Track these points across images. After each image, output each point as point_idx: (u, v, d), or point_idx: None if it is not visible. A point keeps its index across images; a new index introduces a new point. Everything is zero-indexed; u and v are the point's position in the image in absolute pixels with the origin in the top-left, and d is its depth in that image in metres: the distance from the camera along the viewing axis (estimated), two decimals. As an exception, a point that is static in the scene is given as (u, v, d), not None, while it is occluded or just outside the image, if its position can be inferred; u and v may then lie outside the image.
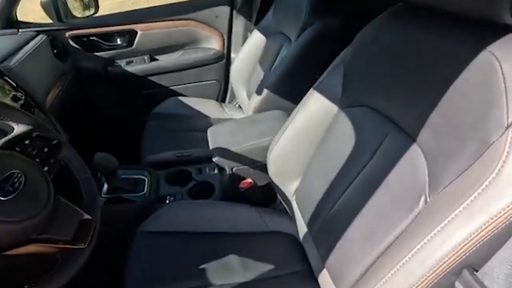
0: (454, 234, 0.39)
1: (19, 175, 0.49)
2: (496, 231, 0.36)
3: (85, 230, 0.57)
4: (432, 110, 0.49)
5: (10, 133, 0.58)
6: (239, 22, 1.59)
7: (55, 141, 0.63)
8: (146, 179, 1.05)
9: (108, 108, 1.51)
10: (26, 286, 0.47)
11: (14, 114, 0.59)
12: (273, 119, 1.04)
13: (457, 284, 0.40)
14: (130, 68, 1.51)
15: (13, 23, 1.29)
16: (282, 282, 0.80)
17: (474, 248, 0.38)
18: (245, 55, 1.47)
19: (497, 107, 0.38)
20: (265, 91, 1.13)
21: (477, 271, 0.39)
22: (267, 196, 1.03)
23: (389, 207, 0.55)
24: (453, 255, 0.39)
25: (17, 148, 0.56)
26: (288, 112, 0.89)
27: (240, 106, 1.59)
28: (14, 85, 0.90)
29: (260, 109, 1.15)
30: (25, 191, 0.49)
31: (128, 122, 1.44)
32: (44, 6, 1.39)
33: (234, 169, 1.01)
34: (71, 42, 1.41)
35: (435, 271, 0.40)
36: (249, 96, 1.38)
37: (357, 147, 0.68)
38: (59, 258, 0.53)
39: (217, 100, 1.66)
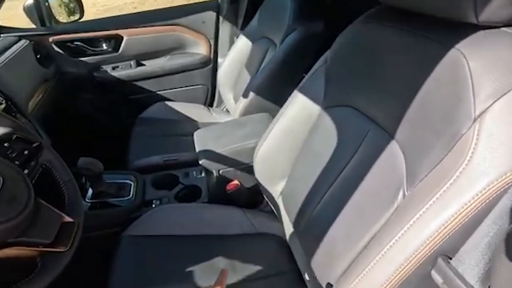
0: (429, 224, 0.41)
1: (-2, 177, 0.49)
2: (467, 219, 0.38)
3: (66, 233, 0.56)
4: (408, 108, 0.51)
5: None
6: (225, 27, 1.61)
7: (35, 144, 0.62)
8: (132, 183, 1.04)
9: (94, 113, 1.50)
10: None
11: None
12: (259, 122, 1.06)
13: (433, 272, 0.41)
14: (116, 73, 1.51)
15: (-6, 28, 1.28)
16: (270, 282, 0.80)
17: (447, 236, 0.39)
18: (232, 59, 1.49)
19: (465, 101, 0.40)
20: (251, 94, 1.15)
21: (451, 258, 0.40)
22: (254, 198, 1.04)
23: (369, 202, 0.57)
24: (428, 244, 0.40)
25: (-5, 152, 0.55)
26: (274, 115, 0.91)
27: (227, 110, 1.59)
28: (-5, 89, 0.89)
29: (246, 112, 1.16)
30: (3, 193, 0.48)
31: (114, 127, 1.43)
32: (26, 11, 1.38)
33: (221, 172, 1.01)
34: (55, 47, 1.40)
35: (411, 260, 0.41)
36: (236, 99, 1.40)
37: (339, 146, 0.69)
38: (39, 261, 0.52)
39: (204, 105, 1.67)
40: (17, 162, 0.57)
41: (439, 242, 0.40)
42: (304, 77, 0.84)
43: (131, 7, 8.79)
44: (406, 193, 0.50)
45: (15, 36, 1.27)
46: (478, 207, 0.38)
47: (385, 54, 0.57)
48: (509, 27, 0.41)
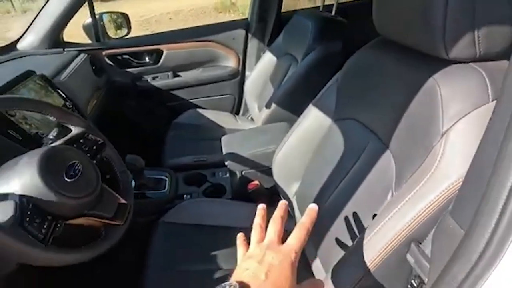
0: (404, 215, 0.51)
1: (78, 164, 0.65)
2: (433, 211, 0.48)
3: (122, 211, 0.72)
4: (398, 123, 0.62)
5: (68, 134, 0.75)
6: (253, 44, 1.77)
7: (100, 141, 0.80)
8: (167, 179, 1.21)
9: (136, 118, 1.70)
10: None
11: (72, 119, 0.76)
12: (279, 130, 1.19)
13: (408, 255, 0.52)
14: (155, 83, 1.71)
15: (60, 44, 1.51)
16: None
17: (419, 225, 0.50)
18: (258, 72, 1.64)
19: (436, 120, 0.51)
20: (273, 105, 1.28)
21: (421, 243, 0.50)
22: (272, 197, 1.16)
23: (365, 201, 0.68)
24: (404, 230, 0.51)
25: (74, 145, 0.73)
26: (292, 124, 1.03)
27: (252, 119, 1.74)
28: (64, 96, 1.09)
29: (268, 121, 1.29)
30: (82, 177, 0.64)
31: (152, 130, 1.62)
32: (85, 29, 1.62)
33: (243, 172, 1.15)
34: (107, 60, 1.62)
35: (390, 244, 0.52)
36: (260, 109, 1.54)
37: (345, 153, 0.81)
38: (103, 231, 0.68)
39: (231, 113, 1.83)
40: (88, 155, 0.74)
41: (412, 230, 0.50)
42: (319, 91, 0.96)
43: (167, 18, 9.36)
44: (394, 193, 0.61)
45: (76, 50, 1.50)
46: (442, 202, 0.48)
47: (383, 77, 0.68)
48: (475, 63, 0.51)
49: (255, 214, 1.08)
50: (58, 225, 0.58)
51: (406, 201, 0.52)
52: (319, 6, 1.49)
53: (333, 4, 1.47)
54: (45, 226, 0.55)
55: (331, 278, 0.65)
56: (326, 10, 1.44)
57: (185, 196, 1.17)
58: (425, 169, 0.52)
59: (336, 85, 0.88)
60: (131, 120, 1.69)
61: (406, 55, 0.63)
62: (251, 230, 1.03)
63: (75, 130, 0.76)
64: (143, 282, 0.84)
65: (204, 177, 1.25)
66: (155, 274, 0.87)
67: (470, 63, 0.52)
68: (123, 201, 0.74)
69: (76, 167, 0.64)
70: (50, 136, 0.79)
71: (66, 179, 0.61)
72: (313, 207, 0.50)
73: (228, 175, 1.25)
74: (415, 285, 0.51)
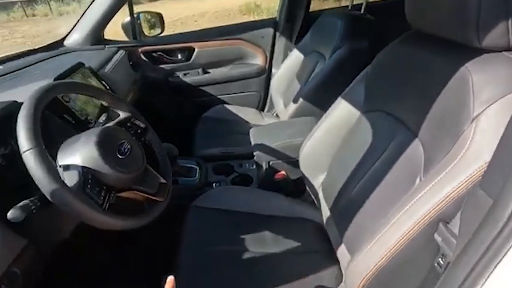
0: (433, 196, 0.54)
1: (127, 144, 0.72)
2: (462, 192, 0.51)
3: (163, 189, 0.79)
4: (428, 112, 0.64)
5: (116, 118, 0.83)
6: (281, 42, 1.81)
7: (144, 126, 0.87)
8: (197, 168, 1.28)
9: (167, 111, 1.79)
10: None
11: (121, 105, 0.84)
12: (305, 123, 1.22)
13: (435, 235, 0.54)
14: (186, 79, 1.79)
15: (101, 41, 1.63)
16: (307, 257, 0.95)
17: (447, 206, 0.52)
18: (284, 70, 1.68)
19: (467, 106, 0.53)
20: (300, 100, 1.32)
21: (448, 223, 0.53)
22: (298, 188, 1.20)
23: (393, 187, 0.70)
24: (432, 211, 0.53)
25: (122, 128, 0.80)
26: (318, 119, 1.07)
27: (277, 115, 1.78)
28: (108, 87, 1.18)
29: (295, 115, 1.33)
30: (131, 155, 0.72)
31: (182, 123, 1.70)
32: (123, 27, 1.73)
33: (270, 163, 1.20)
34: (142, 56, 1.73)
35: (417, 224, 0.55)
36: (285, 105, 1.58)
37: (373, 143, 0.83)
38: (146, 205, 0.75)
39: (257, 109, 1.88)
40: (134, 138, 0.81)
41: (440, 210, 0.53)
42: (346, 87, 0.99)
43: (192, 20, 9.63)
44: (422, 178, 0.63)
45: (115, 47, 1.61)
46: (471, 183, 0.50)
47: (413, 69, 0.71)
48: (508, 52, 0.53)
49: (280, 203, 1.13)
50: (112, 195, 0.65)
51: (435, 183, 0.55)
52: (347, 6, 1.51)
53: (361, 4, 1.49)
54: (102, 194, 0.62)
55: (357, 259, 0.68)
56: (355, 9, 1.46)
57: (214, 184, 1.23)
58: (455, 153, 0.54)
59: (365, 79, 0.91)
60: (163, 113, 1.78)
61: (437, 47, 0.65)
62: (276, 218, 1.08)
63: (122, 114, 0.83)
64: (177, 258, 0.90)
65: (231, 167, 1.31)
66: (187, 252, 0.93)
67: (503, 52, 0.53)
68: (163, 181, 0.81)
69: (126, 146, 0.71)
70: (100, 120, 0.87)
71: (118, 155, 0.68)
72: (170, 279, 0.51)
73: (254, 166, 1.30)
74: (442, 263, 0.53)
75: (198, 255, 0.92)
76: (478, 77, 0.54)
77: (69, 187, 0.56)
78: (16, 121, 0.57)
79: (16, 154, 0.68)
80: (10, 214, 0.53)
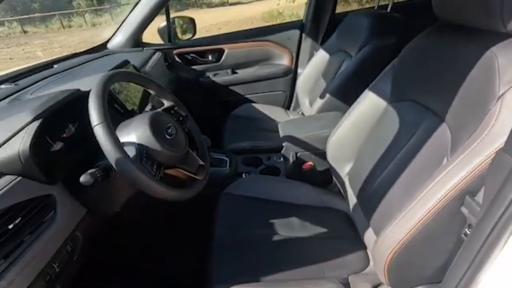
0: (460, 170, 0.57)
1: (174, 127, 0.81)
2: (487, 165, 0.54)
3: (201, 170, 0.87)
4: (454, 96, 0.68)
5: (161, 106, 0.92)
6: (307, 43, 1.88)
7: (185, 114, 0.96)
8: (228, 160, 1.35)
9: (199, 109, 1.89)
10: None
11: (165, 94, 0.93)
12: (332, 117, 1.27)
13: (462, 208, 0.58)
14: (216, 79, 1.90)
15: (140, 44, 1.76)
16: (333, 242, 0.99)
17: (472, 179, 0.55)
18: (310, 69, 1.74)
19: (492, 86, 0.57)
20: (326, 95, 1.37)
21: (475, 196, 0.56)
22: (324, 179, 1.24)
23: (420, 170, 0.74)
24: (458, 184, 0.57)
25: (167, 114, 0.89)
26: (344, 113, 1.11)
27: (303, 113, 1.84)
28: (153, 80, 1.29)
29: (321, 110, 1.39)
30: (177, 137, 0.80)
31: (212, 121, 1.79)
32: (159, 31, 1.86)
33: (298, 154, 1.25)
34: (176, 58, 1.85)
35: (444, 198, 0.58)
36: (311, 104, 1.63)
37: (400, 131, 0.87)
38: (188, 182, 0.83)
39: (283, 107, 1.94)
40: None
41: (466, 184, 0.56)
42: (372, 82, 1.03)
43: (216, 28, 9.94)
44: (448, 158, 0.66)
45: (153, 49, 1.74)
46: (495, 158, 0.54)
47: (440, 59, 0.74)
48: (533, 35, 0.57)
49: (307, 192, 1.18)
50: (161, 170, 0.74)
51: (460, 159, 0.58)
52: (374, 6, 1.56)
53: (387, 4, 1.53)
54: (154, 168, 0.71)
55: (383, 235, 0.71)
56: (382, 9, 1.51)
57: (244, 174, 1.30)
58: (481, 130, 0.57)
59: (392, 71, 0.95)
60: (194, 111, 1.88)
61: (462, 36, 0.69)
62: (304, 206, 1.13)
63: (166, 103, 0.93)
64: (212, 239, 0.97)
65: (260, 160, 1.38)
66: (220, 233, 1.00)
67: (527, 35, 0.57)
68: (202, 162, 0.89)
69: (172, 129, 0.80)
70: (146, 109, 0.96)
71: (166, 136, 0.77)
72: None
73: (282, 159, 1.36)
74: (468, 233, 0.56)
75: (230, 236, 0.98)
76: (503, 59, 0.57)
77: (131, 157, 0.65)
78: (87, 102, 0.66)
79: (81, 131, 0.79)
80: (82, 178, 0.62)
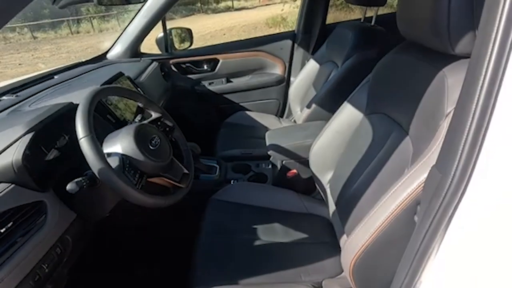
0: (412, 182, 0.62)
1: (158, 138, 0.87)
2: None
3: (185, 178, 0.93)
4: (415, 112, 0.73)
5: (149, 118, 0.98)
6: (298, 53, 1.93)
7: (171, 125, 1.02)
8: (218, 166, 1.41)
9: (193, 116, 1.96)
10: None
11: (153, 106, 0.99)
12: (317, 126, 1.31)
13: (415, 217, 0.62)
14: (211, 87, 1.96)
15: (138, 54, 1.84)
16: (314, 247, 1.03)
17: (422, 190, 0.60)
18: (302, 78, 1.79)
19: (442, 103, 0.61)
20: (313, 105, 1.43)
21: (425, 206, 0.60)
22: (308, 186, 1.29)
23: (386, 178, 0.78)
24: (411, 194, 0.61)
25: (154, 125, 0.95)
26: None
27: (295, 121, 1.89)
28: (143, 93, 1.36)
29: (308, 120, 1.44)
30: (160, 147, 0.86)
31: (206, 127, 1.86)
32: (157, 42, 1.94)
33: (283, 162, 1.30)
34: (173, 67, 1.92)
35: (400, 205, 0.63)
36: (302, 111, 1.68)
37: (373, 143, 0.92)
38: (172, 190, 0.89)
39: (276, 115, 2.00)
40: (163, 134, 0.96)
41: (418, 194, 0.61)
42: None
43: (221, 34, 10.08)
44: (408, 169, 0.71)
45: (150, 59, 1.81)
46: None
47: (406, 75, 0.79)
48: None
49: (292, 199, 1.22)
50: (143, 179, 0.79)
51: (414, 170, 0.63)
52: (360, 18, 1.61)
53: (381, 15, 1.57)
54: (136, 177, 0.77)
55: (349, 240, 0.76)
56: (367, 21, 1.56)
57: (232, 181, 1.35)
58: (432, 145, 0.62)
59: (367, 85, 1.00)
60: (189, 118, 1.95)
61: (423, 55, 0.74)
62: (287, 213, 1.17)
63: (154, 115, 0.99)
64: (197, 243, 1.02)
65: (249, 167, 1.43)
66: (206, 237, 1.05)
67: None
68: (186, 171, 0.94)
69: (156, 140, 0.86)
70: (136, 120, 1.03)
71: (150, 147, 0.83)
72: None
73: (270, 166, 1.41)
74: (420, 241, 0.60)
75: (215, 241, 1.03)
76: (452, 79, 0.62)
77: (113, 168, 0.71)
78: (74, 115, 0.73)
79: (69, 145, 0.85)
80: (69, 186, 0.68)
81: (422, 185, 0.60)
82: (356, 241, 0.71)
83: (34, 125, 0.77)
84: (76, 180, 0.71)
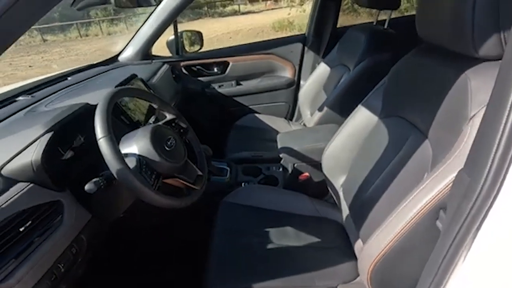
0: (434, 187, 0.61)
1: (173, 139, 0.87)
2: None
3: (199, 180, 0.92)
4: (435, 115, 0.72)
5: (164, 119, 0.99)
6: (309, 56, 1.93)
7: (185, 127, 1.02)
8: (228, 169, 1.41)
9: (204, 119, 1.97)
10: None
11: (168, 108, 0.99)
12: (329, 130, 1.31)
13: (437, 222, 0.61)
14: (221, 90, 1.97)
15: (149, 56, 1.85)
16: (326, 252, 1.02)
17: (445, 195, 0.59)
18: (312, 82, 1.79)
19: (466, 106, 0.60)
20: (325, 108, 1.42)
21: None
22: (320, 190, 1.28)
23: (404, 183, 0.77)
24: (432, 199, 0.60)
25: (168, 127, 0.96)
26: (340, 125, 1.15)
27: (305, 124, 1.88)
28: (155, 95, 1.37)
29: (319, 123, 1.43)
30: (176, 149, 0.86)
31: (217, 130, 1.86)
32: (168, 45, 1.95)
33: (295, 165, 1.29)
34: (183, 70, 1.93)
35: (420, 212, 0.61)
36: (312, 115, 1.68)
37: (389, 146, 0.91)
38: (186, 191, 0.88)
39: (285, 118, 1.99)
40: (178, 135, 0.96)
41: (440, 199, 0.60)
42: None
43: (227, 37, 10.13)
44: (429, 173, 0.70)
45: (161, 61, 1.82)
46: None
47: (424, 78, 0.78)
48: (504, 60, 0.60)
49: (303, 203, 1.21)
50: (159, 179, 0.79)
51: (436, 175, 0.62)
52: (372, 22, 1.60)
53: (385, 19, 1.57)
54: (153, 178, 0.77)
55: (367, 245, 0.75)
56: (379, 24, 1.55)
57: (243, 183, 1.35)
58: (455, 148, 0.61)
59: (383, 88, 0.99)
60: (200, 121, 1.96)
61: (443, 57, 0.73)
62: (300, 216, 1.16)
63: (168, 116, 0.99)
64: (211, 246, 1.02)
65: (259, 170, 1.43)
66: (218, 240, 1.04)
67: (499, 61, 0.60)
68: (200, 173, 0.94)
69: (172, 141, 0.86)
70: (150, 121, 1.03)
71: (166, 148, 0.83)
72: None
73: (281, 169, 1.40)
74: (443, 246, 0.59)
75: (227, 244, 1.03)
76: (475, 82, 0.61)
77: (131, 168, 0.71)
78: (91, 118, 0.73)
79: (85, 146, 0.86)
80: (87, 186, 0.69)
81: (445, 190, 0.59)
82: (374, 247, 0.70)
83: (52, 126, 0.77)
84: (94, 180, 0.71)
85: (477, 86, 0.60)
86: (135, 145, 0.79)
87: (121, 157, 0.70)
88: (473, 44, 0.60)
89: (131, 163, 0.74)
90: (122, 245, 1.17)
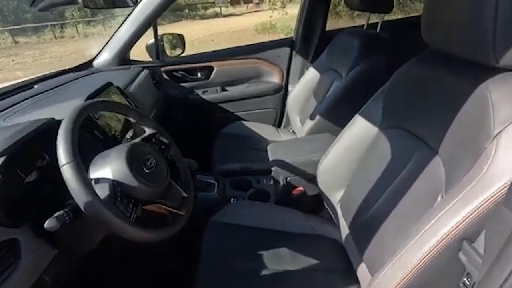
0: (455, 214, 0.53)
1: (153, 159, 0.76)
2: (485, 210, 0.50)
3: (185, 203, 0.82)
4: (447, 129, 0.65)
5: (142, 134, 0.87)
6: (297, 61, 1.86)
7: (167, 142, 0.91)
8: (216, 183, 1.30)
9: (187, 127, 1.85)
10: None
11: (147, 121, 0.88)
12: (323, 140, 1.24)
13: (460, 254, 0.54)
14: (205, 96, 1.86)
15: (127, 61, 1.72)
16: (325, 276, 0.94)
17: (470, 224, 0.52)
18: (301, 87, 1.71)
19: (487, 123, 0.54)
20: (317, 117, 1.34)
21: (473, 242, 0.52)
22: (315, 205, 1.20)
23: (415, 205, 0.70)
24: (455, 229, 0.53)
25: (148, 144, 0.84)
26: (335, 135, 1.07)
27: (293, 131, 1.80)
28: (133, 105, 1.24)
29: (312, 132, 1.35)
30: (156, 169, 0.75)
31: (201, 139, 1.74)
32: (147, 49, 1.83)
33: (288, 179, 1.21)
34: (164, 75, 1.81)
35: (440, 242, 0.54)
36: (302, 122, 1.60)
37: (392, 161, 0.83)
38: (169, 219, 0.78)
39: (273, 125, 1.91)
40: (158, 153, 0.85)
41: (463, 228, 0.52)
42: (363, 104, 1.00)
43: (209, 39, 9.99)
44: (443, 196, 0.63)
45: (140, 67, 1.69)
46: (495, 201, 0.50)
47: (432, 87, 0.72)
48: (528, 70, 0.54)
49: (298, 219, 1.13)
50: (138, 207, 0.68)
51: (456, 201, 0.54)
52: (363, 25, 1.55)
53: (377, 23, 1.52)
54: (130, 207, 0.65)
55: (378, 278, 0.67)
56: (371, 28, 1.50)
57: (232, 199, 1.25)
58: (477, 170, 0.54)
59: (383, 96, 0.92)
60: (183, 129, 1.84)
61: (454, 65, 0.66)
62: (294, 235, 1.08)
63: (148, 131, 0.88)
64: (198, 273, 0.91)
65: (249, 183, 1.33)
66: (206, 266, 0.94)
67: (523, 71, 0.54)
68: (185, 194, 0.84)
69: (152, 161, 0.75)
70: (127, 136, 0.91)
71: (145, 169, 0.72)
72: None
73: (272, 182, 1.31)
74: (468, 283, 0.52)
75: (217, 268, 0.93)
76: (496, 95, 0.54)
77: (102, 199, 0.60)
78: (55, 137, 0.61)
79: (50, 167, 0.73)
80: (47, 224, 0.57)
81: (469, 217, 0.52)
82: (386, 281, 0.62)
83: (6, 148, 0.65)
84: (56, 214, 0.59)
85: (500, 100, 0.54)
86: (109, 168, 0.68)
87: (89, 187, 0.58)
88: (493, 52, 0.53)
89: (104, 190, 0.63)
90: (96, 281, 1.04)
